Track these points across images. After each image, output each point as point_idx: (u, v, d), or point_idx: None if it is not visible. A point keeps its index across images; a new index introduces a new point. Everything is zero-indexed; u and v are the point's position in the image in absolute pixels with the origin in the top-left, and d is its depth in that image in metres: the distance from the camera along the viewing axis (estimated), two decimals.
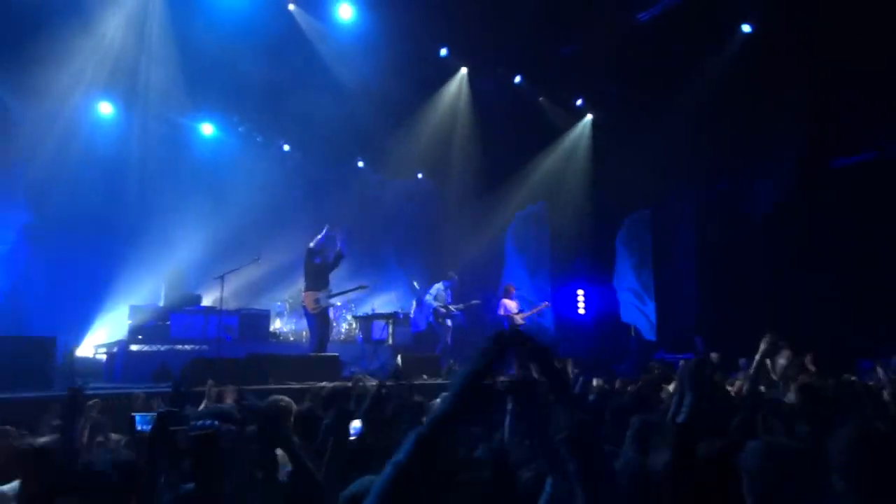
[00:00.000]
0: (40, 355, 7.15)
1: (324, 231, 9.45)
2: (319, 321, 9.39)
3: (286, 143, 13.50)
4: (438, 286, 11.50)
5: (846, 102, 11.13)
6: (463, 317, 12.13)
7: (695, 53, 11.85)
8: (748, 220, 13.18)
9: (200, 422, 2.84)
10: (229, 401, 5.01)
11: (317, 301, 9.35)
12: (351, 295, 11.67)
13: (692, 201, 14.54)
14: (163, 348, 9.63)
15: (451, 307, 11.43)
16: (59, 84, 10.06)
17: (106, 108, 11.10)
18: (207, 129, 12.65)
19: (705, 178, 13.77)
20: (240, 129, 12.65)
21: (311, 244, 9.40)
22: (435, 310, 11.33)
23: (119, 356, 9.25)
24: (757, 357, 4.05)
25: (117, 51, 10.01)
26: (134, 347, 9.55)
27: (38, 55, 9.42)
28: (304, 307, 9.51)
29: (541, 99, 14.22)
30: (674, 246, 14.99)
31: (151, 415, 3.10)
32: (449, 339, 11.25)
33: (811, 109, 11.02)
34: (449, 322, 11.34)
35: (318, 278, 9.39)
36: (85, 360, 8.99)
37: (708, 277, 13.78)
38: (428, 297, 11.60)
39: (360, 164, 14.52)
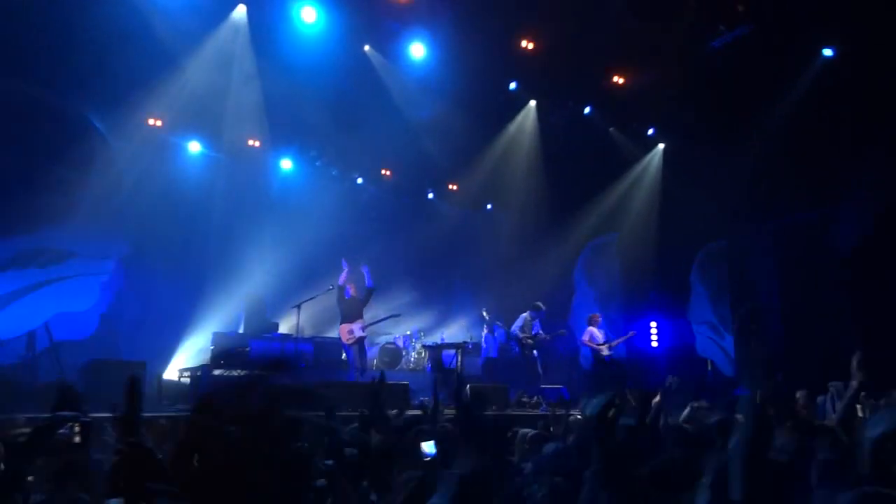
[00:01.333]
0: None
1: (344, 266, 10.48)
2: (356, 351, 10.31)
3: (360, 176, 13.95)
4: (525, 316, 11.48)
5: None
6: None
7: (771, 79, 11.56)
8: (832, 252, 12.56)
9: None
10: None
11: (350, 332, 10.29)
12: (384, 324, 12.07)
13: (771, 231, 14.01)
14: (243, 373, 10.02)
15: (541, 335, 11.45)
16: (152, 122, 10.87)
17: (195, 147, 11.85)
18: (286, 164, 13.26)
19: (785, 208, 13.25)
20: (317, 164, 13.18)
21: (339, 281, 10.50)
22: (521, 339, 11.31)
23: (203, 380, 9.69)
24: (847, 397, 3.79)
25: (203, 90, 10.69)
26: (216, 372, 10.00)
27: (132, 95, 10.22)
28: (341, 339, 10.54)
29: (611, 129, 14.17)
30: (752, 277, 14.43)
31: None
32: (539, 369, 11.24)
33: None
34: (535, 353, 11.32)
35: (350, 311, 10.40)
36: (171, 384, 9.47)
37: (789, 310, 13.18)
38: (514, 328, 11.60)
39: (431, 195, 14.82)
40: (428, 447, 3.24)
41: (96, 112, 10.15)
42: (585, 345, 11.98)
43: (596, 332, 11.85)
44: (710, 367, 14.17)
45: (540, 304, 11.72)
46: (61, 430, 2.44)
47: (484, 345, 12.89)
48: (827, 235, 12.82)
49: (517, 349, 11.62)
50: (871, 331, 11.04)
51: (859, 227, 11.88)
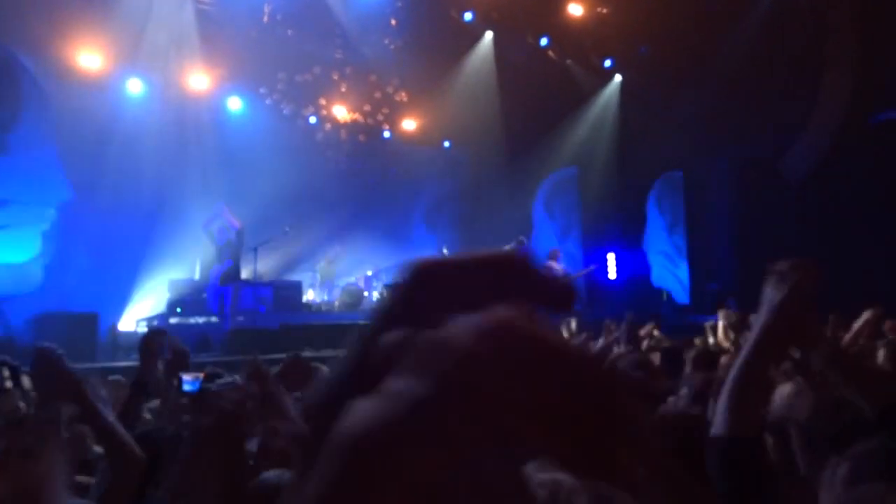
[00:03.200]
0: (84, 330, 7.42)
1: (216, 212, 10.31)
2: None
3: (313, 115, 13.51)
4: (507, 250, 11.45)
5: (888, 57, 10.69)
6: None
7: (728, 11, 11.46)
8: (785, 180, 12.85)
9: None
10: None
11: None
12: (344, 265, 12.18)
13: (726, 162, 14.21)
14: (201, 321, 9.89)
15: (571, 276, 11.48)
16: (88, 61, 10.25)
17: (135, 85, 11.23)
18: (235, 102, 12.72)
19: (740, 138, 13.42)
20: (267, 102, 12.68)
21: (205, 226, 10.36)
22: None
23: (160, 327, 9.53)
24: (855, 329, 3.80)
25: (142, 24, 10.10)
26: (173, 320, 9.84)
27: (64, 31, 9.58)
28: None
29: (568, 61, 13.96)
30: (707, 208, 14.71)
31: (195, 375, 3.21)
32: None
33: (851, 65, 10.61)
34: None
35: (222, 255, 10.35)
36: (127, 334, 9.27)
37: (743, 239, 13.53)
38: None
39: (387, 134, 14.49)
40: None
41: (24, 48, 9.46)
42: None
43: (555, 267, 11.96)
44: (665, 297, 14.57)
45: (523, 238, 11.74)
46: None
47: None
48: (779, 163, 13.08)
49: None
50: (824, 258, 11.39)
51: (811, 157, 12.14)
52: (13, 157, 8.63)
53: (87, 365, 6.30)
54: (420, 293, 0.37)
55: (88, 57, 10.29)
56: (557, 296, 0.37)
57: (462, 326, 0.32)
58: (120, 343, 8.42)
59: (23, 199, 8.88)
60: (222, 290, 9.64)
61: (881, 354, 3.48)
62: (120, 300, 10.27)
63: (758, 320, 1.38)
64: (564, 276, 11.79)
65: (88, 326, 7.57)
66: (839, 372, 2.24)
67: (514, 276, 0.38)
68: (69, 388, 1.99)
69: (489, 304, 0.33)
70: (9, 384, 2.41)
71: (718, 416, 1.30)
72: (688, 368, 3.84)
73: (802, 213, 12.30)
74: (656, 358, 4.41)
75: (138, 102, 11.18)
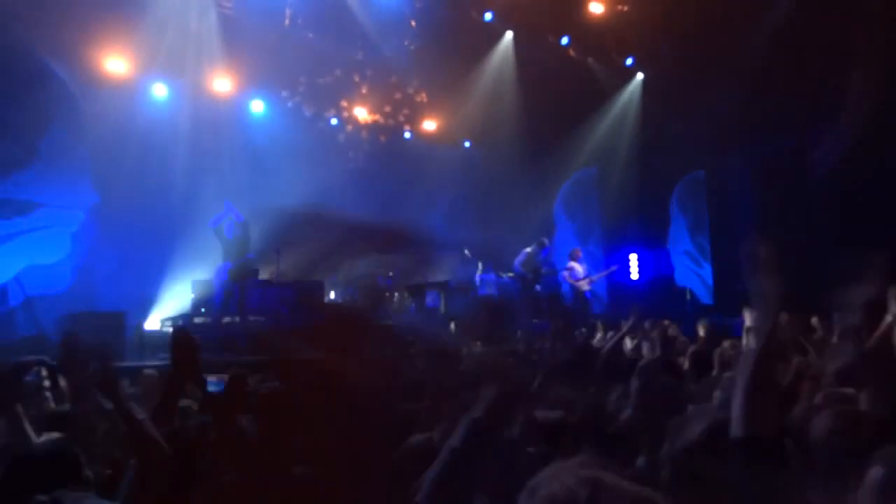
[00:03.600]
0: (112, 329, 7.56)
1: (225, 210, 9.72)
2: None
3: (334, 117, 13.61)
4: (528, 251, 11.40)
5: None
6: (510, 284, 12.16)
7: (751, 5, 11.32)
8: (811, 177, 12.63)
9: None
10: None
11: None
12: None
13: (749, 160, 14.03)
14: (226, 320, 10.00)
15: (588, 278, 11.50)
16: (115, 66, 10.44)
17: (160, 90, 11.41)
18: (257, 105, 12.86)
19: (764, 135, 13.23)
20: (289, 105, 12.80)
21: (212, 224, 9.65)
22: (523, 275, 11.28)
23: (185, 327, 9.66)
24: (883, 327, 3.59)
25: (167, 30, 10.27)
26: (198, 320, 9.98)
27: (93, 38, 9.79)
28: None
29: (589, 60, 13.89)
30: (731, 206, 14.52)
31: (220, 377, 3.26)
32: (543, 304, 11.31)
33: (880, 58, 10.40)
34: (538, 287, 11.38)
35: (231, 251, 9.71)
36: (152, 334, 9.41)
37: (768, 238, 13.33)
38: (516, 263, 11.52)
39: (407, 134, 14.54)
40: None
41: (55, 55, 9.68)
42: (566, 281, 12.06)
43: (577, 267, 11.91)
44: (689, 297, 14.42)
45: (545, 239, 11.73)
46: (29, 377, 2.38)
47: (478, 283, 12.85)
48: (805, 161, 12.86)
49: (518, 285, 11.64)
50: (850, 255, 11.18)
51: (836, 151, 11.92)
52: (44, 161, 8.84)
53: (116, 364, 6.40)
54: None
55: (115, 62, 10.49)
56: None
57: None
58: (146, 342, 8.55)
59: (53, 202, 9.09)
60: (234, 287, 9.49)
61: None
62: (146, 300, 10.44)
63: (758, 322, 1.40)
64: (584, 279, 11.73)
65: (116, 325, 7.70)
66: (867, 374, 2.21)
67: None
68: (106, 380, 2.03)
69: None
70: (46, 383, 2.47)
71: (735, 418, 1.31)
72: (716, 370, 3.80)
73: (828, 210, 12.09)
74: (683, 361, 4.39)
75: (163, 106, 11.36)
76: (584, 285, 11.77)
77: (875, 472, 1.46)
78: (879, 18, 9.90)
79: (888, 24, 9.97)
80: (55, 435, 2.36)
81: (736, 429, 1.31)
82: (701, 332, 6.51)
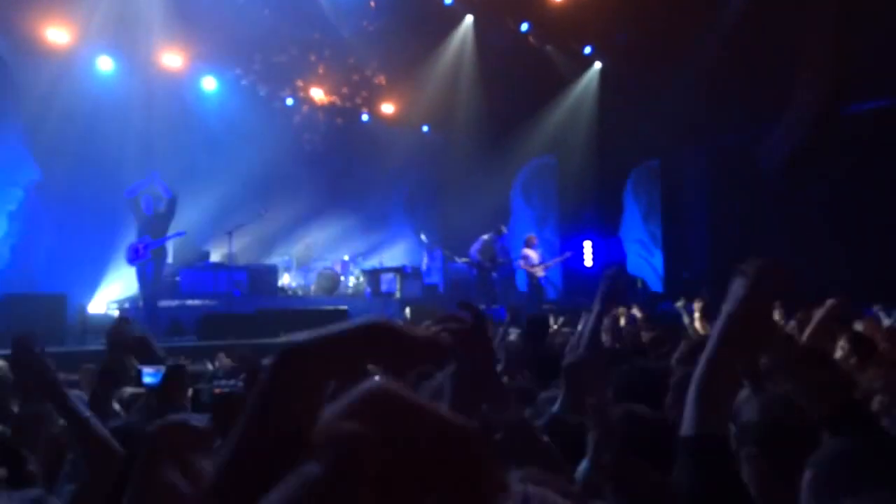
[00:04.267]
0: (52, 312, 7.25)
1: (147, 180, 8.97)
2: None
3: (290, 97, 13.30)
4: (484, 238, 11.38)
5: (863, 47, 10.83)
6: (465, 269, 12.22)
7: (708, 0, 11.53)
8: (760, 170, 13.01)
9: (224, 381, 2.94)
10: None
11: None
12: (320, 249, 12.04)
13: (703, 151, 14.36)
14: (174, 304, 9.74)
15: (543, 265, 11.56)
16: (56, 36, 9.94)
17: (105, 63, 10.92)
18: (209, 82, 12.46)
19: (716, 128, 13.55)
20: (243, 83, 12.44)
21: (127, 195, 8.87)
22: (479, 262, 11.30)
23: (130, 312, 9.34)
24: (815, 321, 3.60)
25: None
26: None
27: (30, 4, 9.30)
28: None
29: (548, 47, 13.91)
30: (683, 196, 14.87)
31: (157, 367, 3.16)
32: (496, 292, 11.38)
33: (825, 55, 10.74)
34: (494, 275, 11.44)
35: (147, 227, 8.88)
36: (97, 317, 9.08)
37: (718, 228, 13.70)
38: (472, 250, 11.51)
39: (365, 117, 14.34)
40: None
41: None
42: (521, 268, 12.14)
43: (531, 254, 11.98)
44: (640, 285, 14.71)
45: (503, 227, 11.75)
46: None
47: (424, 269, 12.88)
48: (755, 153, 13.23)
49: (474, 272, 11.65)
50: (797, 246, 11.62)
51: (786, 147, 12.30)
52: None
53: (56, 349, 6.15)
54: (289, 376, 0.42)
55: (56, 32, 9.97)
56: (428, 351, 0.41)
57: (342, 409, 0.37)
58: (90, 326, 8.24)
59: None
60: (148, 267, 8.71)
61: (839, 349, 3.39)
62: (90, 282, 10.05)
63: (720, 317, 1.34)
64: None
65: (57, 308, 7.40)
66: (789, 372, 2.24)
67: (381, 343, 0.42)
68: (45, 382, 1.92)
69: (363, 373, 0.39)
70: None
71: (686, 416, 1.24)
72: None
73: (777, 202, 12.48)
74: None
75: (109, 80, 10.88)
76: (539, 271, 11.85)
77: (806, 475, 1.48)
78: (827, 19, 10.20)
79: (834, 24, 10.28)
80: None
81: (685, 427, 1.23)
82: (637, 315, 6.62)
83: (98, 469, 1.82)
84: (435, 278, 12.92)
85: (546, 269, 12.03)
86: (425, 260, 13.11)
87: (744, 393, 2.00)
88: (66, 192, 9.70)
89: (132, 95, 10.79)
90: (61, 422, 2.60)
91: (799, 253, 11.31)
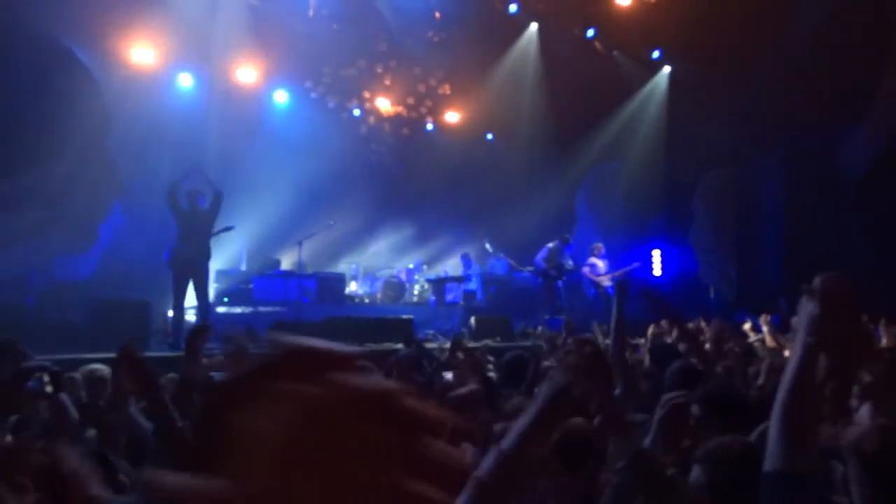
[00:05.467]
0: (137, 317, 7.62)
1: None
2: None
3: (357, 108, 13.59)
4: (550, 247, 11.25)
5: None
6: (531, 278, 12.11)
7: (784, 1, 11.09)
8: (841, 177, 12.37)
9: None
10: None
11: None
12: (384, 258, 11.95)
13: (779, 157, 13.77)
14: (247, 310, 10.08)
15: (610, 274, 11.45)
16: (141, 56, 10.51)
17: (186, 80, 11.46)
18: (281, 96, 12.88)
19: (793, 132, 12.96)
20: (312, 96, 12.81)
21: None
22: (545, 270, 11.20)
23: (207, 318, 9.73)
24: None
25: (192, 18, 10.30)
26: (221, 310, 10.06)
27: (118, 26, 9.86)
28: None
29: (615, 53, 13.70)
30: (757, 203, 14.30)
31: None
32: (561, 301, 11.28)
33: None
34: (559, 283, 11.32)
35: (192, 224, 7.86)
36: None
37: (794, 236, 13.10)
38: (538, 258, 11.42)
39: (430, 126, 14.48)
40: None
41: (81, 46, 9.76)
42: (586, 276, 11.95)
43: (598, 263, 11.79)
44: (712, 294, 14.23)
45: (567, 236, 11.62)
46: (30, 382, 2.37)
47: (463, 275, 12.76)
48: (834, 160, 12.59)
49: (538, 280, 11.53)
50: (881, 257, 10.97)
51: (870, 150, 11.65)
52: (71, 150, 8.91)
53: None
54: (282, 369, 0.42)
55: (141, 52, 10.54)
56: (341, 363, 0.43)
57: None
58: (170, 330, 8.61)
59: (80, 191, 9.17)
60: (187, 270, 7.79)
61: None
62: (170, 290, 10.50)
63: (796, 344, 1.26)
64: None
65: (141, 314, 7.77)
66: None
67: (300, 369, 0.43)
68: (148, 386, 2.03)
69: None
70: (49, 388, 2.46)
71: (772, 448, 1.18)
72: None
73: (859, 209, 11.84)
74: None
75: (188, 96, 11.42)
76: (605, 281, 11.64)
77: None
78: None
79: None
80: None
81: (771, 461, 1.18)
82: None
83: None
84: (473, 285, 12.83)
85: (613, 278, 11.79)
86: (462, 268, 13.02)
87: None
88: (149, 204, 10.20)
89: (209, 109, 11.27)
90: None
91: (883, 264, 10.68)
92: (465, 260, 13.07)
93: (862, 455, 1.64)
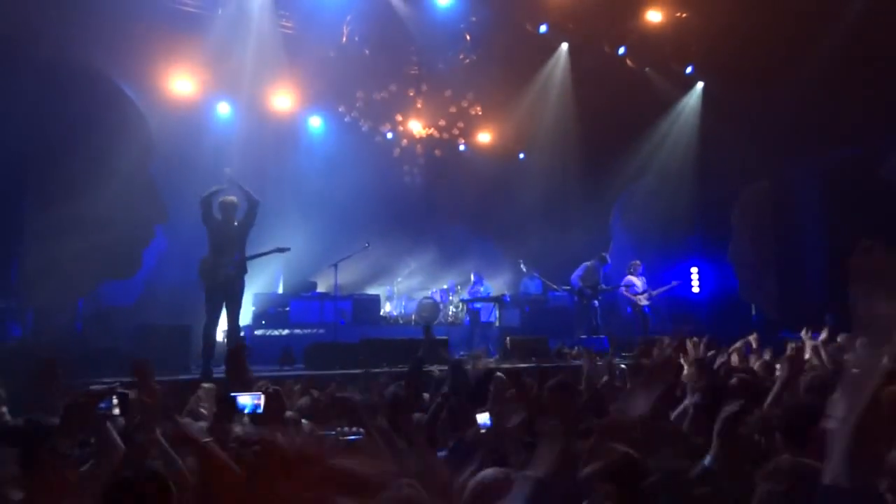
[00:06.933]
0: (178, 341, 7.79)
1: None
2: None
3: (390, 131, 13.76)
4: (588, 265, 11.20)
5: None
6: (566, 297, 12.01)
7: (817, 11, 10.90)
8: (884, 186, 12.01)
9: None
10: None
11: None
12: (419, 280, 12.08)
13: (815, 169, 13.46)
14: (284, 332, 10.22)
15: (647, 293, 11.35)
16: (182, 87, 10.86)
17: (224, 108, 11.79)
18: (315, 121, 13.14)
19: (829, 144, 12.66)
20: (346, 120, 13.02)
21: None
22: (581, 289, 11.13)
23: (246, 340, 9.89)
24: None
25: (228, 49, 10.63)
26: (258, 332, 10.22)
27: (159, 59, 10.24)
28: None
29: (647, 69, 13.63)
30: (796, 217, 13.98)
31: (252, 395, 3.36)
32: (598, 320, 11.17)
33: None
34: (596, 303, 11.22)
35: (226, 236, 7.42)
36: (219, 345, 9.66)
37: (837, 249, 12.73)
38: (574, 277, 11.33)
39: (462, 147, 14.57)
40: (482, 418, 3.21)
41: (125, 78, 10.14)
42: (624, 295, 11.80)
43: (635, 281, 11.64)
44: (754, 311, 13.90)
45: (605, 255, 11.54)
46: (101, 405, 2.44)
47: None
48: (872, 170, 12.25)
49: (574, 299, 11.44)
50: None
51: None
52: (117, 179, 9.23)
53: (183, 377, 6.61)
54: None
55: (182, 82, 10.90)
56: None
57: None
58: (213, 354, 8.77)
59: (127, 219, 9.47)
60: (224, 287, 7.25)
61: None
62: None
63: (869, 351, 1.24)
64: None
65: (182, 338, 7.94)
66: None
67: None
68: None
69: None
70: (116, 411, 2.54)
71: (836, 463, 1.18)
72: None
73: None
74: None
75: (226, 123, 11.73)
76: (643, 300, 11.48)
77: None
78: None
79: None
80: None
81: (834, 475, 1.18)
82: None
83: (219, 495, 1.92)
84: (479, 305, 12.70)
85: (650, 297, 11.62)
86: (481, 288, 12.89)
87: None
88: (189, 230, 10.46)
89: (246, 136, 11.55)
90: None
91: None
92: (477, 277, 12.92)
93: None
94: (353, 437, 3.00)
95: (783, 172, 13.84)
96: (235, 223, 7.37)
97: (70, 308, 9.30)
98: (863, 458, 1.17)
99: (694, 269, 14.85)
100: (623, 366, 5.45)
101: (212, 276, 7.21)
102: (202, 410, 4.39)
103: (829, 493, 1.18)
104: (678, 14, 12.58)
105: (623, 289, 11.63)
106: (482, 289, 12.42)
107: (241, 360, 4.04)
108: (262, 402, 3.36)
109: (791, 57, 11.42)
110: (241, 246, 7.36)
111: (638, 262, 11.98)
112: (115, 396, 2.51)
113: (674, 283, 12.40)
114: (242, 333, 10.22)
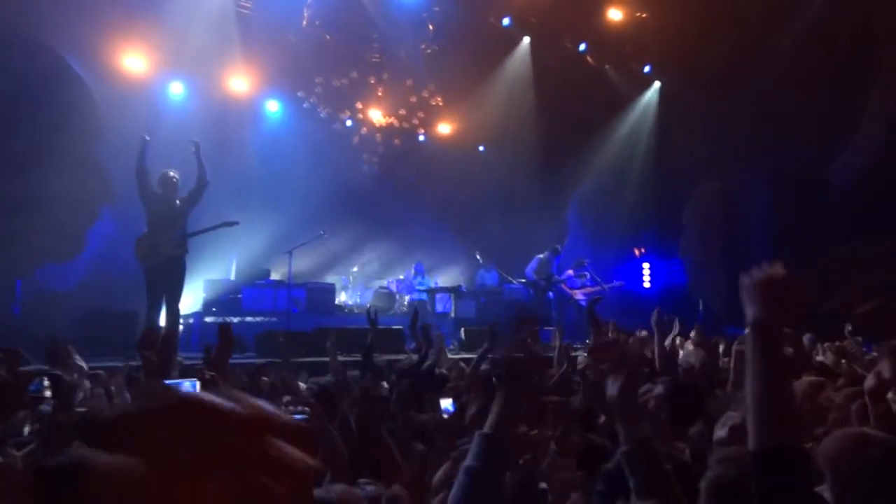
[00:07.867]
0: (124, 326, 7.56)
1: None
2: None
3: (349, 118, 13.60)
4: (541, 258, 11.27)
5: None
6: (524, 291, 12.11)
7: (772, 15, 11.22)
8: (829, 189, 12.49)
9: None
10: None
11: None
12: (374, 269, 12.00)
13: (768, 170, 13.89)
14: (235, 320, 10.01)
15: (582, 289, 11.41)
16: (133, 64, 10.49)
17: (177, 89, 11.43)
18: (273, 106, 12.88)
19: (782, 146, 13.09)
20: (304, 106, 12.81)
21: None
22: (535, 281, 11.19)
23: (195, 327, 9.67)
24: None
25: (183, 28, 10.32)
26: (208, 319, 9.98)
27: (109, 35, 9.85)
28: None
29: (606, 67, 13.81)
30: (747, 217, 14.39)
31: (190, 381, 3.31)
32: (553, 311, 11.26)
33: None
34: (551, 294, 11.29)
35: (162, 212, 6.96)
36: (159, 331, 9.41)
37: (784, 249, 13.18)
38: (528, 270, 11.40)
39: (422, 137, 14.52)
40: (446, 404, 3.21)
41: (74, 54, 9.73)
42: (562, 288, 11.94)
43: (575, 277, 11.81)
44: (701, 307, 14.27)
45: (558, 246, 11.64)
46: (31, 387, 2.34)
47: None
48: (821, 173, 12.71)
49: (531, 292, 11.54)
50: (867, 269, 11.06)
51: (858, 164, 11.77)
52: (62, 157, 8.86)
53: (128, 363, 6.40)
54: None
55: (133, 60, 10.53)
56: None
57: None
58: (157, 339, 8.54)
59: (72, 199, 9.10)
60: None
61: None
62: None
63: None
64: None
65: (128, 323, 7.71)
66: None
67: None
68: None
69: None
70: (48, 393, 2.44)
71: (749, 435, 1.27)
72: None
73: (847, 222, 11.93)
74: None
75: (179, 104, 11.38)
76: (578, 295, 11.67)
77: None
78: None
79: None
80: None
81: (753, 440, 1.25)
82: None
83: None
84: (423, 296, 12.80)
85: (587, 293, 11.80)
86: (420, 279, 12.91)
87: None
88: (138, 213, 10.14)
89: (200, 118, 11.21)
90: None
91: (877, 274, 10.77)
92: (419, 268, 12.93)
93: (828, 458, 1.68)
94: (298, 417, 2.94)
95: (734, 172, 14.23)
96: (178, 201, 6.87)
97: (7, 291, 8.90)
98: (766, 423, 1.24)
99: (645, 265, 15.16)
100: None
101: (149, 256, 6.72)
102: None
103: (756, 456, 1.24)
104: (638, 14, 12.79)
105: (562, 283, 11.78)
106: (420, 279, 12.47)
107: (166, 347, 3.90)
108: (198, 389, 3.29)
109: (746, 60, 11.73)
110: (182, 224, 6.85)
111: (585, 259, 12.14)
112: (45, 378, 2.41)
113: (620, 283, 12.61)
114: (192, 320, 10.06)
